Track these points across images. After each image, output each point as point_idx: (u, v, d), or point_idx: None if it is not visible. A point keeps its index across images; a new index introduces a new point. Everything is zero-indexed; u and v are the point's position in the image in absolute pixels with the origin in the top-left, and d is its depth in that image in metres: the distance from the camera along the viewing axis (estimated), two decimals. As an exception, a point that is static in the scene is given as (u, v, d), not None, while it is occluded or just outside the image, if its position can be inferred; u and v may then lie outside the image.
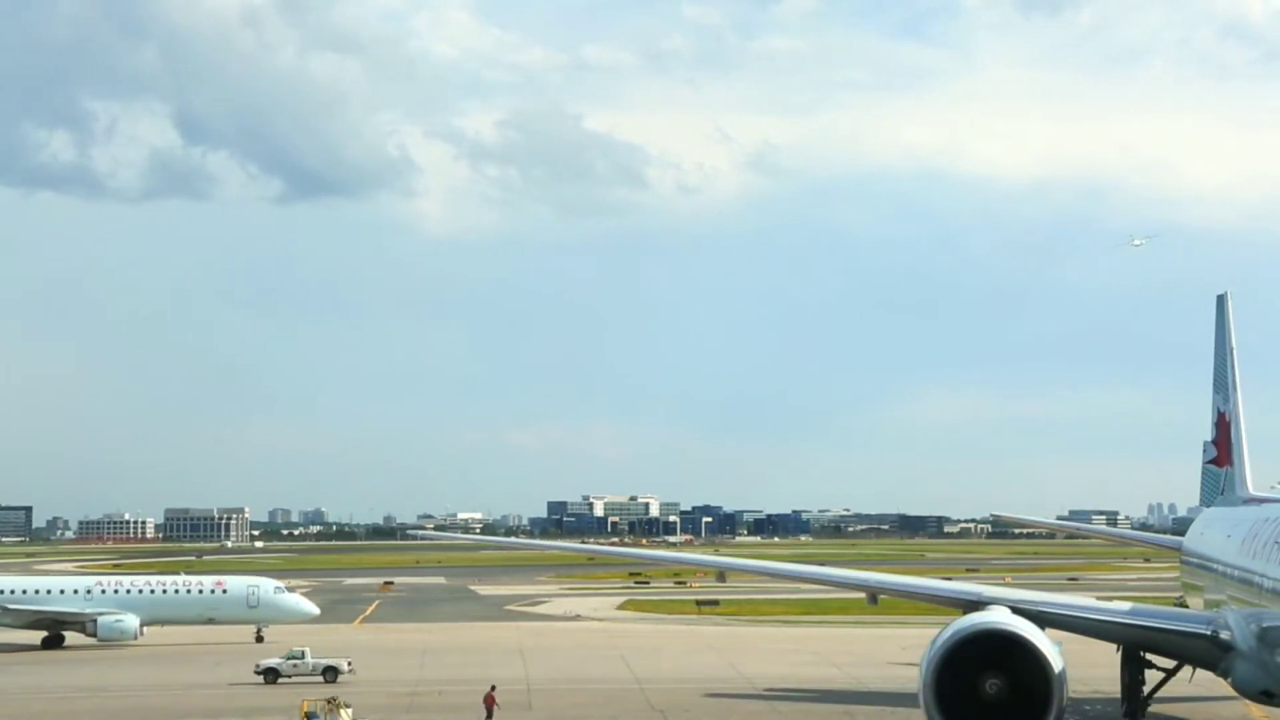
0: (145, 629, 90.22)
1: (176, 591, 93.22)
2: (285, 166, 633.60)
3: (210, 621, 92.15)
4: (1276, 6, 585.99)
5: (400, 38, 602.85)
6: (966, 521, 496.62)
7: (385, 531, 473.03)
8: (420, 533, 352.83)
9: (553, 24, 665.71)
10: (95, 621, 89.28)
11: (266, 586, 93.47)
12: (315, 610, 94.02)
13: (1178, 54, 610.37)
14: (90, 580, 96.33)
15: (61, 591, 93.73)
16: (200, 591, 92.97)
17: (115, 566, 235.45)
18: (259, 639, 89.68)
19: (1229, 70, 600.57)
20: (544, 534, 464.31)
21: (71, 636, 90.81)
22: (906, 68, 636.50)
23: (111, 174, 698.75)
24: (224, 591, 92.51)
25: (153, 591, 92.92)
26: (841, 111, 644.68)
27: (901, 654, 75.87)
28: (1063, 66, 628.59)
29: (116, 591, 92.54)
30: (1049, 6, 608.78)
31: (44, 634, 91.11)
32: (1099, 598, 51.81)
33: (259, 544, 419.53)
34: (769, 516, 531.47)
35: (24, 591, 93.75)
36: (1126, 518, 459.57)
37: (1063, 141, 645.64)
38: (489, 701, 56.70)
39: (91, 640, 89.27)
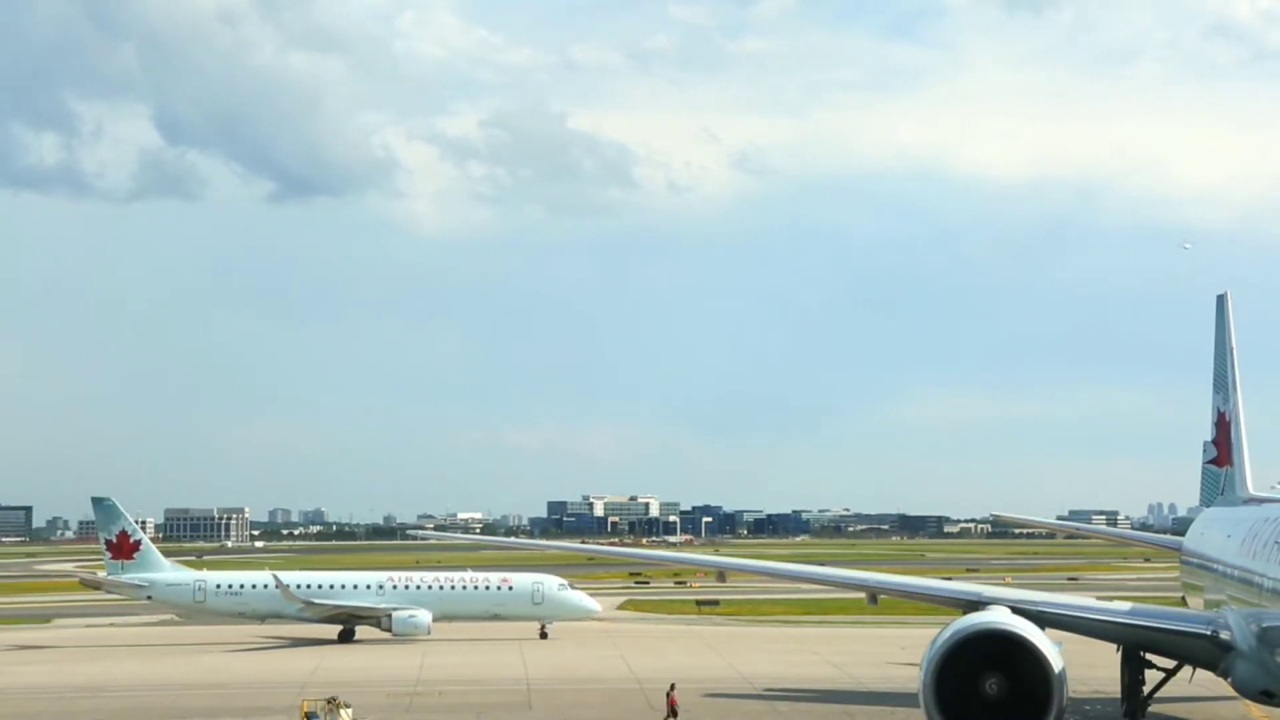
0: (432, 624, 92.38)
1: (464, 588, 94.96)
2: (275, 168, 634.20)
3: (496, 617, 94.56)
4: (1263, 6, 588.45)
5: (387, 38, 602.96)
6: (966, 521, 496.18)
7: (385, 531, 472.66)
8: (420, 533, 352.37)
9: (539, 24, 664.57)
10: (390, 616, 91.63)
11: (551, 584, 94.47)
12: (598, 607, 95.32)
13: (1167, 54, 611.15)
14: (382, 576, 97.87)
15: (355, 587, 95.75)
16: (487, 588, 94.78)
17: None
18: (543, 635, 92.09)
19: (1219, 70, 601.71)
20: (544, 534, 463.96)
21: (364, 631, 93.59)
22: (896, 68, 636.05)
23: (99, 174, 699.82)
24: (509, 588, 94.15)
25: (441, 587, 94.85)
26: (832, 112, 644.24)
27: (901, 654, 75.86)
28: (1053, 67, 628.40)
29: (407, 587, 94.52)
30: (1031, 6, 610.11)
31: (340, 628, 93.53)
32: (1099, 598, 51.79)
33: (259, 544, 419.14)
34: (769, 516, 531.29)
35: (319, 586, 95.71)
36: (1126, 518, 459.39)
37: (1056, 141, 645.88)
38: (671, 701, 56.27)
39: (386, 634, 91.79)
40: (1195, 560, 51.77)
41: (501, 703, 62.64)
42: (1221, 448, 55.16)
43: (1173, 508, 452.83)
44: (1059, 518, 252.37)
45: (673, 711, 55.97)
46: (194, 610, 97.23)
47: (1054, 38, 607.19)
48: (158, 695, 66.19)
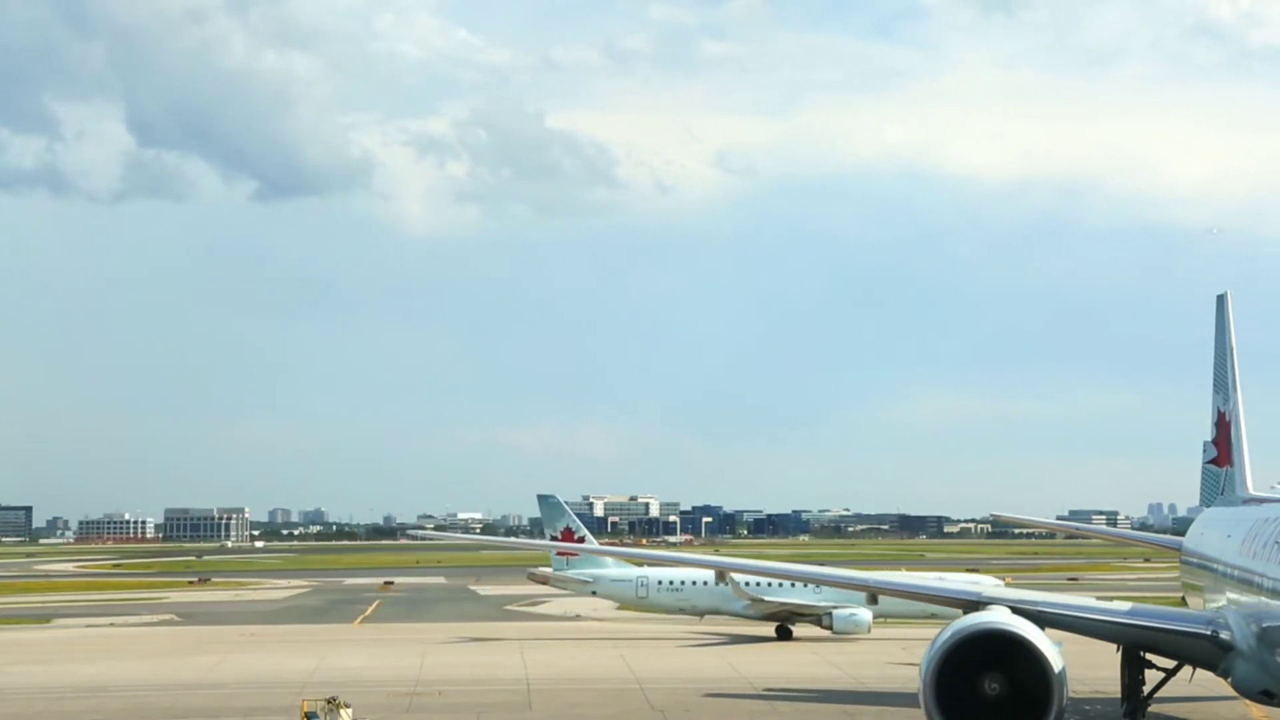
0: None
1: None
2: (267, 168, 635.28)
3: (932, 617, 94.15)
4: (1244, 7, 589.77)
5: (366, 38, 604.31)
6: (966, 521, 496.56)
7: (385, 531, 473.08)
8: (420, 533, 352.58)
9: (518, 24, 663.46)
10: (831, 614, 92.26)
11: (987, 583, 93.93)
12: None
13: (1151, 54, 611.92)
14: None
15: (792, 585, 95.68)
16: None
17: (115, 566, 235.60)
18: None
19: (1203, 70, 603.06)
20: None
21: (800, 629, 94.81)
22: (879, 68, 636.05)
23: (86, 175, 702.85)
24: None
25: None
26: (816, 112, 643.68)
27: (901, 654, 75.96)
28: (1037, 67, 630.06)
29: None
30: (1004, 8, 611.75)
31: (777, 625, 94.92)
32: (1099, 598, 51.79)
33: (259, 544, 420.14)
34: (769, 516, 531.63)
35: (757, 584, 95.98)
36: (1126, 518, 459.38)
37: (1042, 141, 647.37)
38: None
39: (826, 632, 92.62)
40: (1195, 560, 51.74)
41: (501, 703, 62.58)
42: (1221, 448, 55.12)
43: (1173, 508, 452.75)
44: (1059, 518, 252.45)
45: None
46: (636, 604, 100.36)
47: (1036, 38, 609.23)
48: (158, 695, 66.10)
